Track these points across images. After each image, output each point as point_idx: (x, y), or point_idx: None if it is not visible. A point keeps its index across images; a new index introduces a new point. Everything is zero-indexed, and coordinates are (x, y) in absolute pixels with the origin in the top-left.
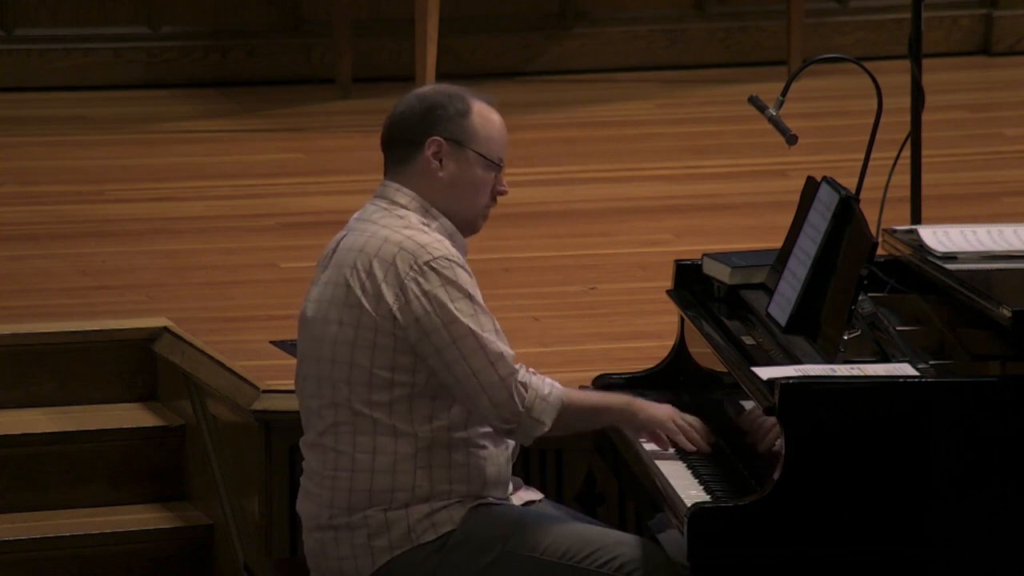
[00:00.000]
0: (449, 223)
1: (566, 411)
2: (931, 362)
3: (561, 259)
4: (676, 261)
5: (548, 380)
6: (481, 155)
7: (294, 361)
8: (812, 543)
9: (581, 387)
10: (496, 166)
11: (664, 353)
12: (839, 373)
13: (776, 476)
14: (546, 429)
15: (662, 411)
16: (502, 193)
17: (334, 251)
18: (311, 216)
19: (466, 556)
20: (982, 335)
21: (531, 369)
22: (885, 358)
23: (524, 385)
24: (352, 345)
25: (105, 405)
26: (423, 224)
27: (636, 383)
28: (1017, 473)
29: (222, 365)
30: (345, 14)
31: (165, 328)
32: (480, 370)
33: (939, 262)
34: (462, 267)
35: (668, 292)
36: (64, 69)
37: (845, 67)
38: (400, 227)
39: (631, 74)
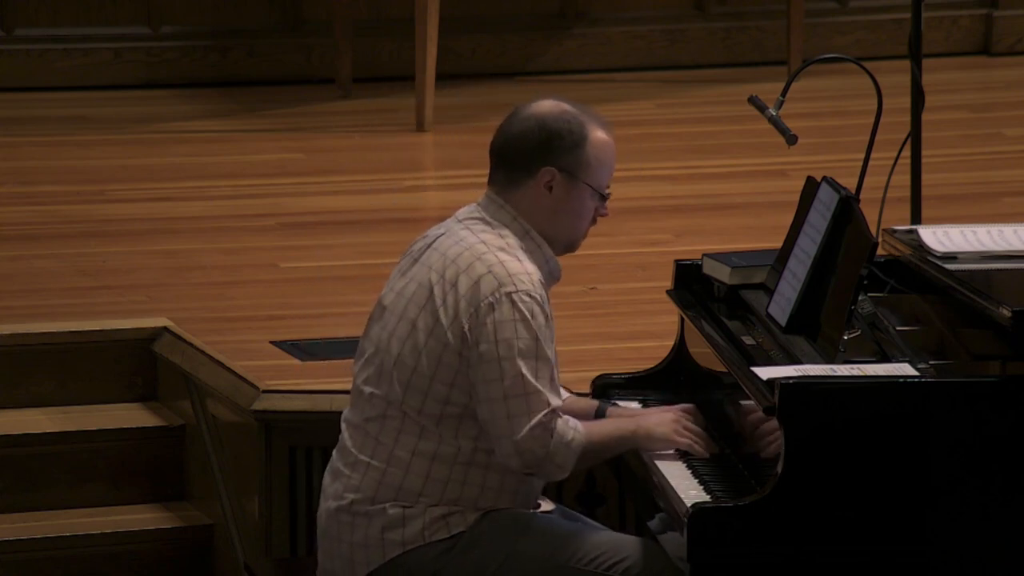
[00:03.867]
0: (549, 250)
1: (585, 453)
2: (931, 362)
3: (561, 259)
4: (676, 261)
5: (572, 423)
6: (591, 187)
7: (294, 361)
8: (812, 543)
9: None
10: (604, 196)
11: (664, 353)
12: (839, 373)
13: (776, 476)
14: (566, 475)
15: (663, 429)
16: (603, 216)
17: (428, 247)
18: (311, 216)
19: (475, 559)
20: (982, 335)
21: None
22: (885, 358)
23: (551, 432)
24: (420, 351)
25: (105, 405)
26: (521, 248)
27: (636, 383)
28: (1017, 473)
29: (222, 365)
30: (345, 14)
31: (165, 328)
32: (515, 415)
33: (939, 262)
34: (541, 308)
35: (668, 292)
36: (64, 69)
37: (845, 67)
38: (496, 247)
39: (631, 74)
